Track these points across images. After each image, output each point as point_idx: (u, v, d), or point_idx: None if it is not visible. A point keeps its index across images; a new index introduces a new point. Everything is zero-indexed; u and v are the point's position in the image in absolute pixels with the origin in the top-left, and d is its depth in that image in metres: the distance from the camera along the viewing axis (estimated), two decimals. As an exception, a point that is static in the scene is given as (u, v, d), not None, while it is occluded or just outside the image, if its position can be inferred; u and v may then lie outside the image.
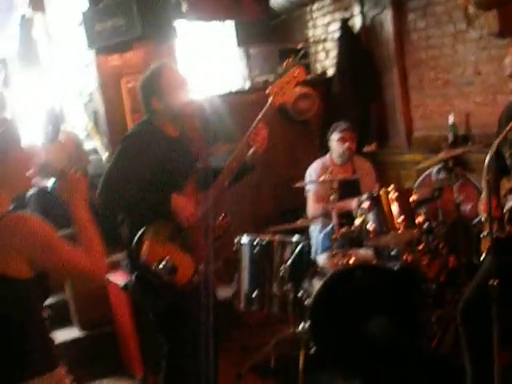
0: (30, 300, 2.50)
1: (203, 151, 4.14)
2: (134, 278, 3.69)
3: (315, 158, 5.94)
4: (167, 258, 3.55)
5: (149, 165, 3.09)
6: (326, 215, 5.28)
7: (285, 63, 4.00)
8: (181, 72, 3.92)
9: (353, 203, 5.14)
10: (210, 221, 3.85)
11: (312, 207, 5.73)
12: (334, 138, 5.82)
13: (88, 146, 7.04)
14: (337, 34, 7.27)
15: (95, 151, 6.74)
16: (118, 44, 6.10)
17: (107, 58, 6.27)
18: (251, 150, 3.88)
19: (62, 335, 5.62)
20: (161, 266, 3.53)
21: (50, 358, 2.58)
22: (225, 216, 3.93)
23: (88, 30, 6.06)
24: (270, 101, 3.88)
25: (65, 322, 5.82)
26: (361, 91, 6.96)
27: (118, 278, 4.61)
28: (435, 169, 5.81)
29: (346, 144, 5.76)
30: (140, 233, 3.58)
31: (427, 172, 5.81)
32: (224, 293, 4.97)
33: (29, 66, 8.42)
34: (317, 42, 8.01)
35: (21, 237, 2.40)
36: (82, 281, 2.73)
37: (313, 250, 5.69)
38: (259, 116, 3.86)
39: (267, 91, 3.88)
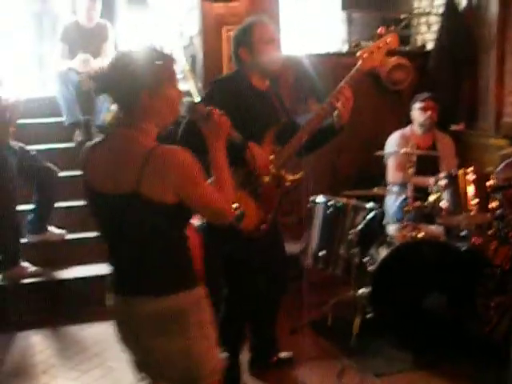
0: (174, 220, 2.65)
1: (289, 107, 4.27)
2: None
3: (401, 129, 6.03)
4: (236, 204, 3.68)
5: (231, 110, 3.22)
6: (403, 185, 5.37)
7: (379, 29, 4.05)
8: (274, 30, 4.02)
9: (430, 180, 5.20)
10: (282, 173, 3.98)
11: (392, 174, 5.83)
12: (416, 107, 5.90)
13: (182, 87, 7.22)
14: (441, 9, 7.23)
15: (188, 93, 6.91)
16: (224, -8, 6.25)
17: (212, 5, 6.42)
18: (336, 112, 3.94)
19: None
20: None
21: (188, 276, 2.73)
22: (298, 171, 4.05)
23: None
24: (358, 64, 3.95)
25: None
26: (456, 69, 6.93)
27: (195, 219, 4.79)
28: (518, 157, 5.79)
29: (428, 113, 5.83)
30: None
31: (510, 159, 5.81)
32: (292, 248, 5.10)
33: (136, 4, 8.64)
34: (420, 15, 7.97)
35: (170, 168, 2.53)
36: (213, 219, 2.79)
37: (385, 217, 5.79)
38: (345, 78, 3.94)
39: (357, 54, 3.96)
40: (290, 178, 3.99)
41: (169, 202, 2.55)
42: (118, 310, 2.77)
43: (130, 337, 2.78)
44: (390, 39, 4.00)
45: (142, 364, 2.85)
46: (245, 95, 3.90)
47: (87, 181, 2.69)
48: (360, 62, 3.95)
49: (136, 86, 2.58)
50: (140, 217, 2.58)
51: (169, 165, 2.53)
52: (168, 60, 2.68)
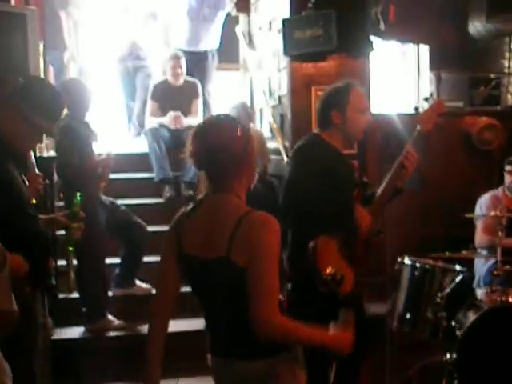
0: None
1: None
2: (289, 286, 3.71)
3: (490, 190, 5.93)
4: (336, 268, 3.68)
5: (317, 175, 3.25)
6: (492, 249, 5.26)
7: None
8: (366, 99, 4.15)
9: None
10: (371, 235, 4.00)
11: (479, 237, 5.72)
12: (506, 169, 5.79)
13: (271, 145, 7.30)
14: (532, 69, 7.16)
15: (276, 152, 6.98)
16: (313, 53, 6.32)
17: (301, 66, 6.51)
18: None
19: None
20: (331, 276, 3.65)
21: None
22: (379, 232, 4.05)
23: (287, 36, 6.32)
24: (418, 128, 4.05)
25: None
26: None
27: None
28: None
29: None
30: (314, 242, 3.70)
31: None
32: (378, 309, 5.03)
33: (227, 62, 8.84)
34: (510, 74, 7.88)
35: (259, 231, 2.57)
36: (254, 306, 2.58)
37: (475, 280, 5.68)
38: (409, 141, 4.06)
39: (416, 119, 4.14)
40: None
41: (241, 265, 2.58)
42: (215, 371, 2.83)
43: None
44: (437, 105, 4.20)
45: None
46: (330, 159, 3.93)
47: (180, 244, 2.76)
48: (419, 126, 4.05)
49: (227, 160, 2.68)
50: (229, 281, 2.62)
51: (255, 226, 2.58)
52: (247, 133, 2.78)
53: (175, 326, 5.80)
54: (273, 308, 2.55)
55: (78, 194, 4.20)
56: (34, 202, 4.04)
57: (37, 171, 4.13)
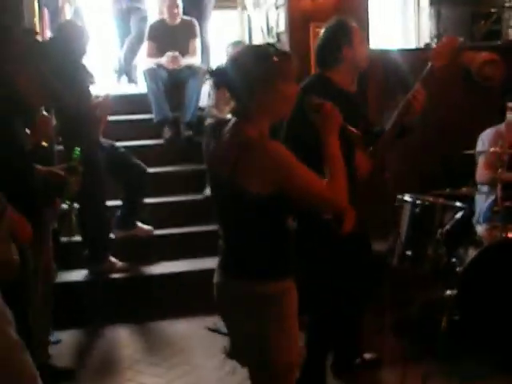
0: (270, 212, 2.73)
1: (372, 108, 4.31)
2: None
3: (491, 126, 5.87)
4: None
5: None
6: (493, 184, 5.24)
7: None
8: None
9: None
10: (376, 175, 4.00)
11: (480, 173, 5.68)
12: (509, 106, 5.74)
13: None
14: (534, 3, 7.07)
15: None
16: (311, -11, 6.24)
17: (299, 2, 6.41)
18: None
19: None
20: None
21: (280, 268, 2.81)
22: (386, 172, 4.06)
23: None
24: (429, 64, 4.03)
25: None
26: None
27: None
28: None
29: None
30: None
31: None
32: (379, 247, 5.05)
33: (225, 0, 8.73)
34: (511, 8, 7.78)
35: (266, 158, 2.63)
36: (323, 209, 2.93)
37: (475, 216, 5.68)
38: (419, 79, 4.03)
39: (428, 55, 4.09)
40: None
41: (264, 192, 2.63)
42: (219, 287, 2.90)
43: (223, 314, 2.96)
44: (452, 40, 4.17)
45: (232, 346, 2.97)
46: (337, 100, 3.84)
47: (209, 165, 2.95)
48: (430, 63, 4.03)
49: (251, 81, 2.70)
50: (235, 204, 2.74)
51: (265, 156, 2.63)
52: (283, 57, 2.76)
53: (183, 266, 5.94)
54: (333, 198, 2.75)
55: (77, 149, 4.20)
56: (45, 144, 4.08)
57: (44, 113, 4.11)
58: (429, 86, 4.05)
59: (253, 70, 2.69)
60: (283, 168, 2.63)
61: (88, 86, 5.79)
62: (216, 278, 2.91)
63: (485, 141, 5.70)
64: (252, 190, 2.63)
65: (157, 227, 6.28)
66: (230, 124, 2.82)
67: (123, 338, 5.27)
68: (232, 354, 2.98)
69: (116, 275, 5.84)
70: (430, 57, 4.04)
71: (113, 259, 5.89)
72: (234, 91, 2.78)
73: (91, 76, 5.92)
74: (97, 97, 5.82)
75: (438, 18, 7.41)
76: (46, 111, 4.23)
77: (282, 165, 2.63)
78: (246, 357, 2.88)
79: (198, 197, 6.55)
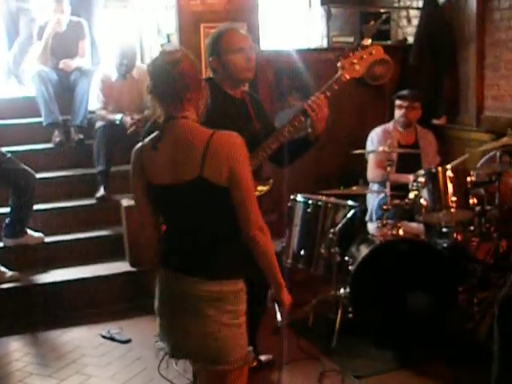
0: (231, 207, 2.78)
1: (264, 114, 4.19)
2: None
3: (383, 124, 5.97)
4: None
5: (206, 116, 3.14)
6: (384, 183, 5.32)
7: (364, 40, 3.92)
8: (243, 38, 3.90)
9: (410, 176, 5.16)
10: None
11: (371, 172, 5.77)
12: (396, 104, 5.85)
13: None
14: (421, 3, 7.21)
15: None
16: (200, -11, 6.19)
17: (189, 3, 6.34)
18: (309, 122, 3.84)
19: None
20: None
21: (239, 267, 2.89)
22: (268, 178, 3.98)
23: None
24: (338, 74, 3.84)
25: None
26: (437, 63, 6.91)
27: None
28: (499, 152, 5.75)
29: (402, 111, 5.77)
30: None
31: (491, 154, 5.75)
32: (274, 246, 5.03)
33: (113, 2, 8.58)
34: (400, 8, 7.93)
35: (224, 147, 2.73)
36: (249, 222, 2.79)
37: (367, 214, 5.76)
38: (324, 87, 3.84)
39: (338, 64, 3.83)
40: (259, 188, 3.83)
41: (224, 184, 2.72)
42: (167, 285, 2.93)
43: (170, 313, 2.93)
44: (375, 51, 3.89)
45: (175, 345, 2.94)
46: (218, 102, 3.70)
47: (147, 176, 2.86)
48: (340, 72, 3.84)
49: (182, 84, 2.79)
50: (204, 199, 2.77)
51: (223, 145, 2.73)
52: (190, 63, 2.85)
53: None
54: (262, 221, 2.81)
55: None
56: None
57: None
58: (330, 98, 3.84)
59: (180, 75, 2.79)
60: (239, 155, 2.74)
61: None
62: (165, 277, 2.92)
63: (374, 140, 5.79)
64: (217, 183, 2.71)
65: (47, 234, 6.10)
66: (170, 128, 2.83)
67: (14, 350, 5.08)
68: (177, 353, 2.95)
69: (6, 285, 5.63)
70: (342, 66, 3.81)
71: (2, 269, 5.68)
72: (164, 96, 2.83)
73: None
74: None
75: (329, 17, 7.47)
76: None
77: (238, 152, 2.75)
78: (199, 354, 2.88)
79: (89, 201, 6.41)
